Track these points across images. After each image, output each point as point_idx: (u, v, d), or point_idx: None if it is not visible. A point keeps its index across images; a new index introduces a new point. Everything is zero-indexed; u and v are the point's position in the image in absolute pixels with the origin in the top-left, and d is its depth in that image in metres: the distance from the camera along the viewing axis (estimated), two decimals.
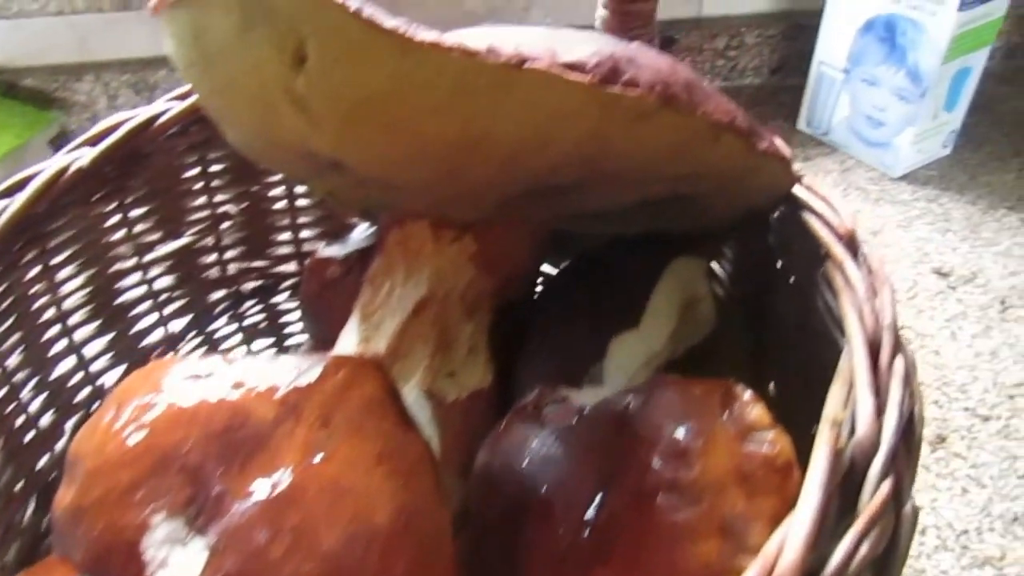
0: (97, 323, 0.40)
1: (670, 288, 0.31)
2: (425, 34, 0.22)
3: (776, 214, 0.33)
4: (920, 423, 0.23)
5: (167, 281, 0.43)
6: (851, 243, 0.28)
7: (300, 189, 0.47)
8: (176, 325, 0.45)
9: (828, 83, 0.77)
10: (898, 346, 0.25)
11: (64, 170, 0.34)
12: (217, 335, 0.49)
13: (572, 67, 0.22)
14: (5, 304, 0.34)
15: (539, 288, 0.40)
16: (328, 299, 0.42)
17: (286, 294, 0.50)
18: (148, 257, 0.42)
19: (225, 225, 0.45)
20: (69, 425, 0.39)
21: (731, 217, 0.33)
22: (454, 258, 0.32)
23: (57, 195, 0.34)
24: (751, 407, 0.22)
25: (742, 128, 0.25)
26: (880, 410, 0.23)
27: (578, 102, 0.23)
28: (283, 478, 0.24)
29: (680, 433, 0.22)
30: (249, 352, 0.51)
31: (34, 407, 0.37)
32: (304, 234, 0.49)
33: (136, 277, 0.41)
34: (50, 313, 0.37)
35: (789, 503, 0.21)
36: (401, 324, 0.31)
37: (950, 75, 0.69)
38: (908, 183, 0.74)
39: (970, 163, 0.76)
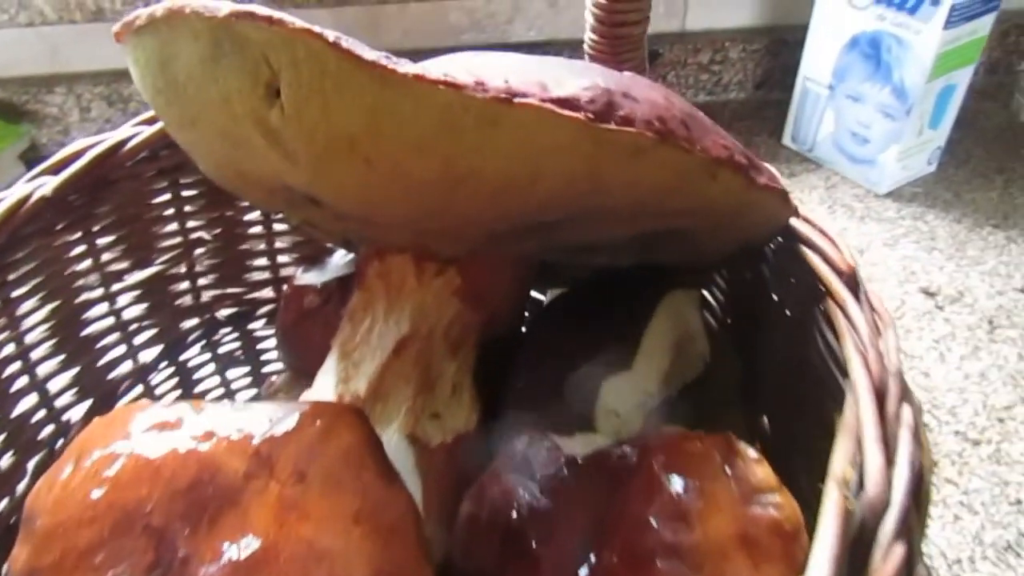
0: (61, 357, 0.38)
1: (663, 326, 0.30)
2: (408, 66, 0.21)
3: (772, 244, 0.32)
4: (929, 476, 0.22)
5: (137, 311, 0.41)
6: (852, 281, 0.27)
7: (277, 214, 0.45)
8: (147, 355, 0.43)
9: (813, 99, 0.76)
10: (905, 392, 0.23)
11: (25, 199, 0.33)
12: (191, 363, 0.47)
13: (564, 102, 0.21)
14: None
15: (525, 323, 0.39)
16: (306, 329, 0.40)
17: (263, 321, 0.48)
18: (116, 286, 0.40)
19: (199, 251, 0.43)
20: (31, 465, 0.37)
21: (725, 251, 0.31)
22: (437, 293, 0.31)
23: (18, 226, 0.32)
24: (755, 466, 0.21)
25: (741, 163, 0.24)
26: (889, 462, 0.21)
27: (570, 139, 0.22)
28: (253, 541, 0.22)
29: (679, 492, 0.21)
30: (224, 381, 0.49)
31: None
32: (281, 259, 0.47)
33: (103, 308, 0.40)
34: (9, 349, 0.35)
35: (797, 571, 0.19)
36: (382, 363, 0.30)
37: (935, 92, 0.68)
38: (893, 200, 0.74)
39: (954, 180, 0.76)
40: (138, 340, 0.43)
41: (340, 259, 0.42)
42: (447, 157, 0.22)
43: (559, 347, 0.31)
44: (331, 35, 0.21)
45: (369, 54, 0.21)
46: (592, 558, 0.22)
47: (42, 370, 0.37)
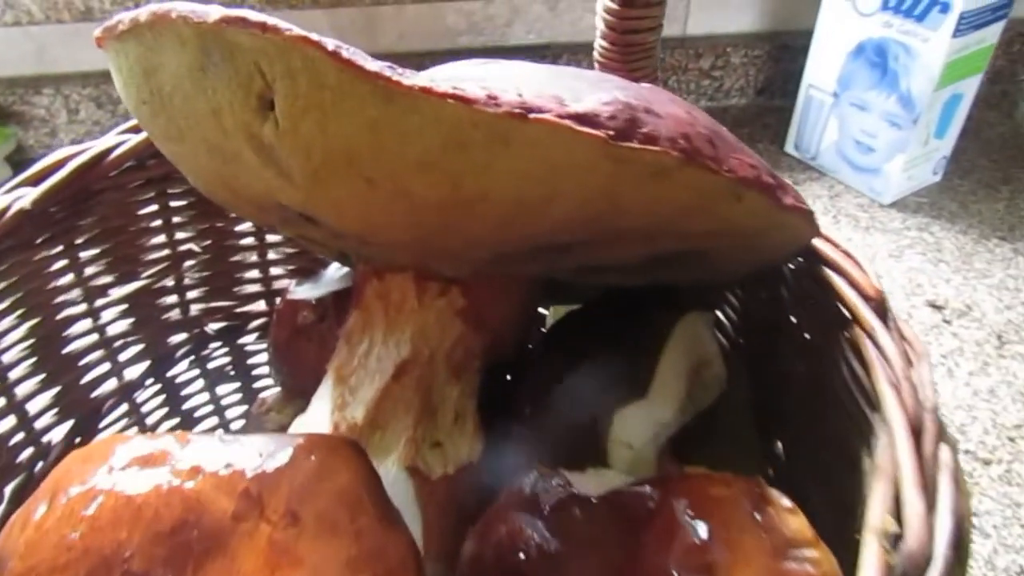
0: (41, 376, 0.36)
1: (679, 351, 0.28)
2: (413, 78, 0.19)
3: (791, 264, 0.31)
4: (969, 524, 0.21)
5: (122, 326, 0.40)
6: (880, 307, 0.25)
7: None
8: (132, 372, 0.41)
9: (817, 106, 0.75)
10: (942, 430, 0.22)
11: (3, 212, 0.31)
12: (179, 380, 0.45)
13: (583, 119, 0.19)
14: None
15: (531, 345, 0.37)
16: (299, 346, 0.38)
17: (254, 335, 0.46)
18: (100, 301, 0.38)
19: (187, 263, 0.41)
20: (8, 490, 0.35)
21: (742, 271, 0.30)
22: (440, 314, 0.29)
23: None
24: (789, 516, 0.19)
25: (768, 184, 0.22)
26: (929, 508, 0.20)
27: (589, 158, 0.20)
28: None
29: (704, 541, 0.19)
30: (213, 398, 0.47)
31: None
32: (274, 271, 0.45)
33: (86, 324, 0.38)
34: None
35: None
36: (381, 389, 0.28)
37: (942, 101, 0.67)
38: (898, 211, 0.72)
39: (960, 191, 0.75)
40: (123, 356, 0.41)
41: (336, 272, 0.41)
42: (454, 176, 0.20)
43: (568, 373, 0.29)
44: (330, 43, 0.19)
45: (371, 64, 0.19)
46: None
47: (21, 390, 0.35)
